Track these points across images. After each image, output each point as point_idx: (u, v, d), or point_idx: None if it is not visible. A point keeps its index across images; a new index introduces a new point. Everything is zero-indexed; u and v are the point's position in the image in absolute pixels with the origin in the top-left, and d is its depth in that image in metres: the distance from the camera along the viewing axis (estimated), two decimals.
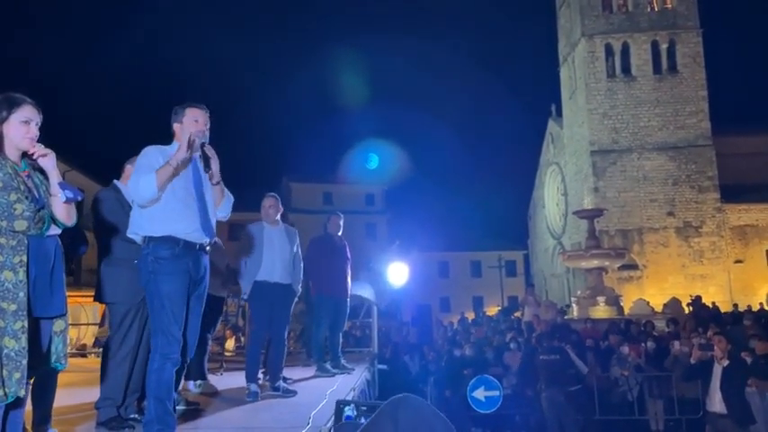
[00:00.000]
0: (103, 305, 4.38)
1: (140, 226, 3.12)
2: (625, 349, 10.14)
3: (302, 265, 5.31)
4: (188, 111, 3.24)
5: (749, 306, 19.22)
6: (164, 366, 2.94)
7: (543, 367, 9.16)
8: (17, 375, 2.30)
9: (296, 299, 5.32)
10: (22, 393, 2.33)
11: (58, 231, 2.58)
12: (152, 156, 3.13)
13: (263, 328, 5.05)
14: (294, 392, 4.88)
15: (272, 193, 5.26)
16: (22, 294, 2.35)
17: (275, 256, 5.00)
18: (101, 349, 5.19)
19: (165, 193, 3.07)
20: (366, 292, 8.28)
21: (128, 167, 3.83)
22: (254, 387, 4.75)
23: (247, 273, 5.01)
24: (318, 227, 6.75)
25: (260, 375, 5.06)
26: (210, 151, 3.19)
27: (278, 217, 5.19)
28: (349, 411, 1.67)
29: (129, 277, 3.59)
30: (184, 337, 3.08)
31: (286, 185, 38.12)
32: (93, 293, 3.81)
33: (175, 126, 3.26)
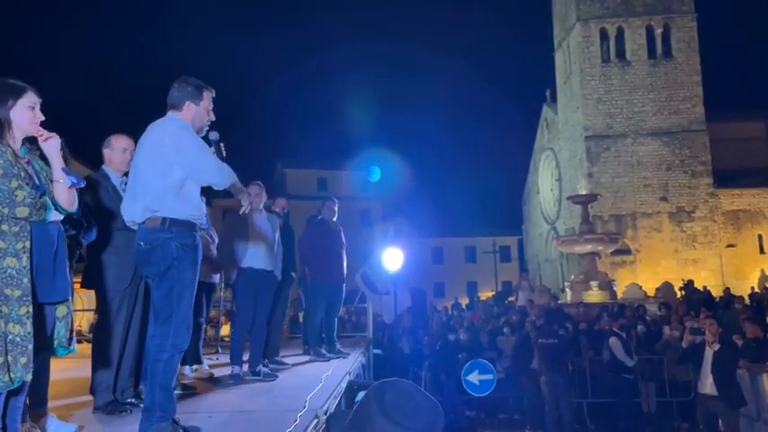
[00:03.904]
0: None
1: (165, 209, 2.89)
2: None
3: (281, 250, 5.34)
4: (206, 95, 3.09)
5: (728, 290, 19.37)
6: (174, 356, 2.89)
7: (543, 351, 9.26)
8: (23, 360, 2.31)
9: (292, 285, 5.36)
10: (29, 378, 2.35)
11: (60, 217, 2.58)
12: (193, 133, 3.02)
13: (249, 313, 5.09)
14: (274, 377, 4.91)
15: (258, 182, 5.31)
16: (26, 280, 2.36)
17: (260, 243, 5.04)
18: None
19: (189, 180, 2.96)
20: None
21: (106, 152, 3.80)
22: (236, 369, 4.85)
23: (233, 259, 5.04)
24: (313, 212, 6.76)
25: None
26: (222, 148, 3.18)
27: (261, 205, 5.24)
28: (362, 395, 1.68)
29: (116, 263, 3.59)
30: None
31: (281, 171, 38.01)
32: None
33: (189, 105, 3.04)
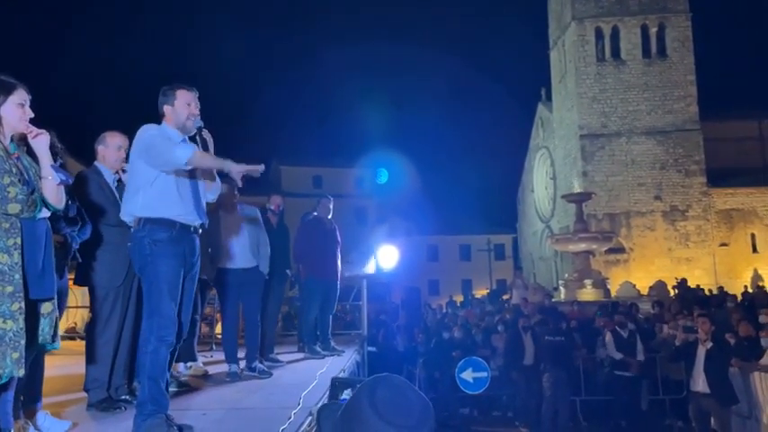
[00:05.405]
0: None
1: (136, 208, 3.07)
2: None
3: (266, 243, 5.28)
4: (179, 93, 3.18)
5: (722, 288, 19.46)
6: (159, 349, 2.94)
7: (549, 348, 9.28)
8: (15, 355, 2.31)
9: (287, 282, 5.33)
10: (21, 373, 2.35)
11: (48, 214, 2.58)
12: (163, 130, 3.13)
13: (234, 313, 5.12)
14: (270, 374, 4.94)
15: (228, 180, 5.22)
16: (17, 276, 2.36)
17: (235, 242, 5.01)
18: None
19: (161, 176, 3.05)
20: (365, 267, 8.32)
21: (100, 148, 3.79)
22: (233, 368, 4.86)
23: (209, 260, 5.00)
24: (308, 210, 6.75)
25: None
26: (207, 135, 3.22)
27: (235, 201, 5.18)
28: (346, 395, 1.66)
29: (109, 260, 3.58)
30: (179, 319, 3.08)
31: (276, 168, 37.92)
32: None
33: (166, 108, 3.19)
